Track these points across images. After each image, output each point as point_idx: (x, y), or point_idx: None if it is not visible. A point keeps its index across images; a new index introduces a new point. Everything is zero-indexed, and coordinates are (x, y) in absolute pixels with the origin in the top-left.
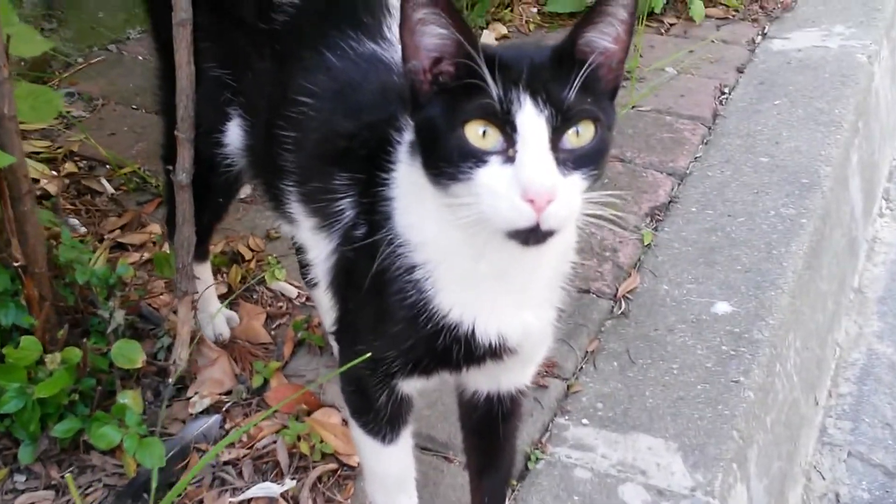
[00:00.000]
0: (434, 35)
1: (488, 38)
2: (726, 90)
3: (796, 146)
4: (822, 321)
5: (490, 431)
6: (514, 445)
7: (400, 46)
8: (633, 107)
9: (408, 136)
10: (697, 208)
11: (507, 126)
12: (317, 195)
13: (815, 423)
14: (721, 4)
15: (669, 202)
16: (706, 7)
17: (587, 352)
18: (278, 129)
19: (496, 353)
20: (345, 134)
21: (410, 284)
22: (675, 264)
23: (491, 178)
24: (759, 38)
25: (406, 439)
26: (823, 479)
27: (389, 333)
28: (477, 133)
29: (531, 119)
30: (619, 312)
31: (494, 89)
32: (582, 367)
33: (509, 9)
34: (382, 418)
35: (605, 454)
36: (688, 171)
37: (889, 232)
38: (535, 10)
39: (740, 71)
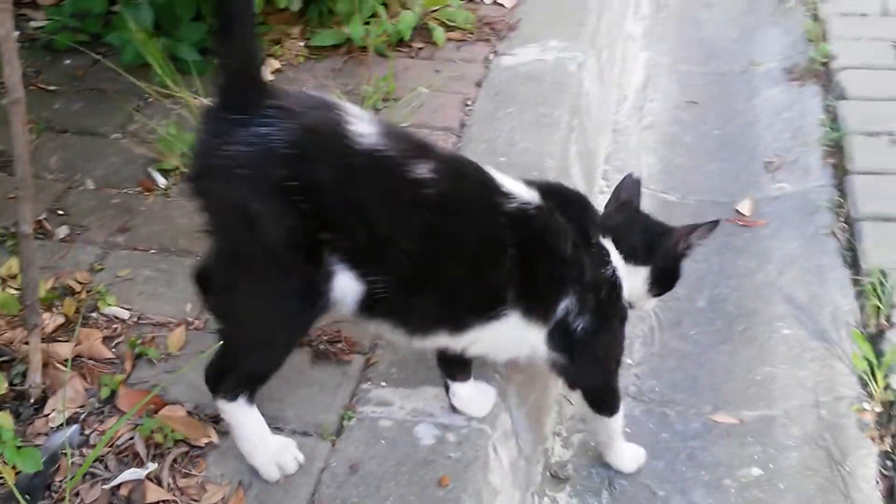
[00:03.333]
0: None
1: (264, 73)
2: (469, 103)
3: (526, 146)
4: None
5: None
6: None
7: None
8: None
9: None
10: None
11: None
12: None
13: None
14: (458, 28)
15: None
16: (446, 32)
17: None
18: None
19: None
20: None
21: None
22: None
23: None
24: (492, 55)
25: None
26: (571, 405)
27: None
28: None
29: None
30: None
31: None
32: (377, 343)
33: (279, 44)
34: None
35: (401, 406)
36: None
37: None
38: (302, 43)
39: (479, 85)
